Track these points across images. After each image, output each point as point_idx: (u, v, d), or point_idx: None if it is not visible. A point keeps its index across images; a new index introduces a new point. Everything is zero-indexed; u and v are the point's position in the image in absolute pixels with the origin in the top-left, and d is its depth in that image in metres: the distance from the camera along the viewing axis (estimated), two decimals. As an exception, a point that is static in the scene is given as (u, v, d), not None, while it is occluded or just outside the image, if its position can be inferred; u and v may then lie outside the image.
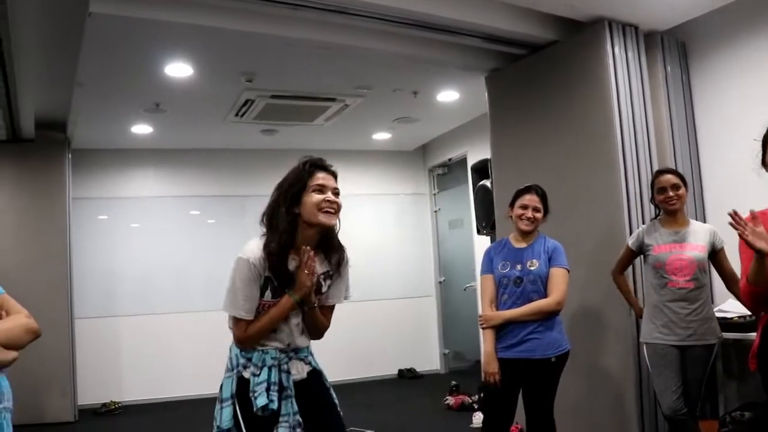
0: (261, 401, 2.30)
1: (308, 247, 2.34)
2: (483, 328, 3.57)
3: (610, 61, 4.29)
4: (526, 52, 4.89)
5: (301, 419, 2.39)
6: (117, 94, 5.66)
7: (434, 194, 8.81)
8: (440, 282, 8.71)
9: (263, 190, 8.86)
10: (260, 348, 2.41)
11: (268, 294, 2.38)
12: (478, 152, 6.86)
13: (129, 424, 6.47)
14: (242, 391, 2.37)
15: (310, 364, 2.55)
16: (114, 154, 7.61)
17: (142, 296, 7.58)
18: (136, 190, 7.75)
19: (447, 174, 8.57)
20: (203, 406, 7.00)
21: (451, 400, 6.39)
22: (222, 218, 8.02)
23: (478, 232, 6.07)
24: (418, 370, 8.32)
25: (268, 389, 2.34)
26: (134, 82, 5.36)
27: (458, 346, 8.59)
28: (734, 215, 2.28)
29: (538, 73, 4.84)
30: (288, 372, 2.43)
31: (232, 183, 8.05)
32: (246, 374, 2.39)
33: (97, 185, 7.54)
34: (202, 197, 7.97)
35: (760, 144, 2.55)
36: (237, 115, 6.42)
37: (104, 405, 6.97)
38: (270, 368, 2.37)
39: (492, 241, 5.52)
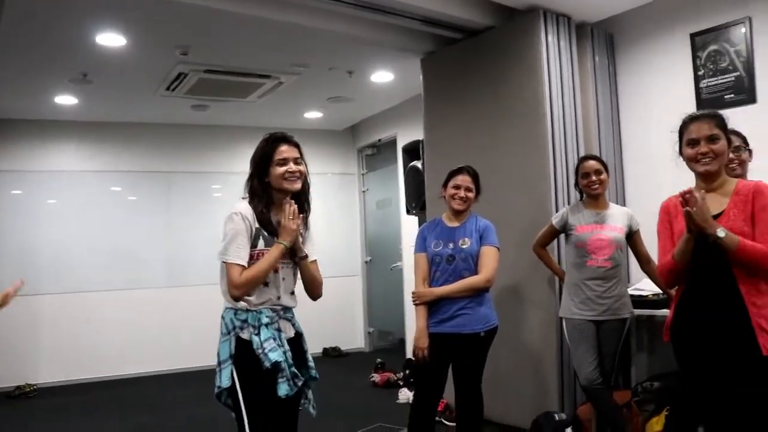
0: (275, 356, 2.54)
1: (289, 198, 2.65)
2: (416, 305, 3.64)
3: (543, 49, 4.45)
4: (462, 36, 5.00)
5: (297, 371, 2.65)
6: (41, 62, 5.40)
7: (363, 174, 8.87)
8: (366, 261, 8.81)
9: (191, 167, 8.75)
10: (253, 309, 2.61)
11: (261, 243, 2.63)
12: (408, 134, 6.96)
13: (42, 407, 6.24)
14: (241, 351, 2.58)
15: (294, 325, 2.79)
16: (33, 126, 7.28)
17: (60, 275, 7.29)
18: (55, 163, 7.42)
19: (376, 155, 8.63)
20: (124, 386, 6.93)
21: (376, 377, 6.52)
22: (144, 195, 7.81)
23: (408, 212, 6.16)
24: (342, 348, 8.42)
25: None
26: (61, 50, 5.13)
27: (382, 324, 8.73)
28: (686, 193, 2.42)
29: (473, 58, 4.95)
30: (279, 330, 2.66)
31: (158, 159, 7.85)
32: (244, 335, 2.59)
33: (11, 158, 7.21)
34: (125, 173, 7.71)
35: (677, 135, 2.71)
36: (168, 89, 6.26)
37: (18, 388, 6.72)
38: (267, 326, 2.60)
39: (420, 221, 5.63)
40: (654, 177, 4.56)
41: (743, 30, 4.19)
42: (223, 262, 2.57)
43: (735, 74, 4.23)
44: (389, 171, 8.07)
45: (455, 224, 3.69)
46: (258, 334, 2.57)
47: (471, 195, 3.68)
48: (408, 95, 6.98)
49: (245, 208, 2.63)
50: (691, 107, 4.31)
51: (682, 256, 2.50)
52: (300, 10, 4.35)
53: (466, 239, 3.62)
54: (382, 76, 6.41)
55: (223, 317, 2.67)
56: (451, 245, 3.62)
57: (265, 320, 2.59)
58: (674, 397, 3.52)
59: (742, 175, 3.10)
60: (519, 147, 4.59)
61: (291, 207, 2.62)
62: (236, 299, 2.57)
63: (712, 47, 4.32)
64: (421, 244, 3.73)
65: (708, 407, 2.56)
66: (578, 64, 4.65)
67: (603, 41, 4.82)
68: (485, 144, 4.79)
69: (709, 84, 4.34)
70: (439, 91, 5.29)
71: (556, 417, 4.18)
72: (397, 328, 8.04)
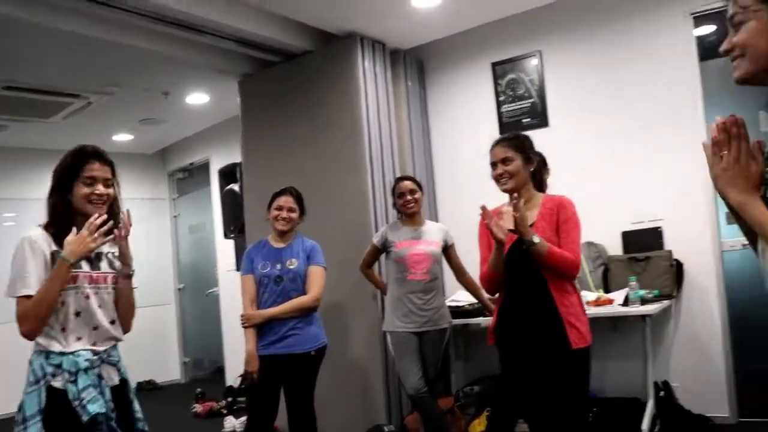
0: (95, 407, 2.18)
1: (97, 215, 2.27)
2: (245, 327, 3.60)
3: (360, 74, 4.63)
4: (281, 59, 5.05)
5: (115, 425, 2.28)
6: None
7: (174, 199, 8.59)
8: (179, 289, 8.51)
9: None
10: (69, 352, 2.24)
11: None
12: (222, 156, 6.87)
13: None
14: (53, 403, 2.18)
15: (120, 371, 2.43)
16: None
17: None
18: None
19: (188, 178, 8.40)
20: None
21: (198, 407, 6.30)
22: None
23: (225, 236, 6.06)
24: (157, 381, 8.04)
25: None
26: None
27: (199, 353, 8.45)
28: (484, 209, 2.65)
29: (292, 81, 5.02)
30: (100, 377, 2.30)
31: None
32: (57, 383, 2.20)
33: None
34: None
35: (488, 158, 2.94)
36: (-42, 106, 5.65)
37: None
38: (86, 371, 2.23)
39: (238, 244, 5.57)
40: (463, 194, 4.91)
41: (535, 62, 4.67)
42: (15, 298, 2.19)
43: (530, 101, 4.69)
44: (202, 194, 7.88)
45: (281, 245, 3.72)
46: (74, 382, 2.19)
47: (294, 215, 3.72)
48: (223, 117, 6.88)
49: (36, 233, 2.27)
50: (494, 130, 4.72)
51: (495, 264, 2.74)
52: (112, 26, 4.14)
53: (294, 260, 3.65)
54: (197, 98, 6.29)
55: (30, 362, 2.24)
56: (278, 266, 3.63)
57: (83, 365, 2.22)
58: (493, 398, 3.78)
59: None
60: (339, 168, 4.72)
61: (95, 219, 2.24)
62: (27, 337, 2.19)
63: (511, 76, 4.77)
64: (248, 266, 3.70)
65: (526, 405, 2.79)
66: (392, 89, 4.91)
67: (415, 67, 5.13)
68: (306, 165, 4.86)
69: (509, 109, 4.77)
70: (257, 113, 5.29)
71: (386, 429, 4.31)
72: (215, 356, 7.82)
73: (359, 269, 4.23)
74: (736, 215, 1.34)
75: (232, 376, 6.48)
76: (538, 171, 2.95)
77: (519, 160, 2.80)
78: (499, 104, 4.82)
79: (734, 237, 3.99)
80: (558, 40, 4.61)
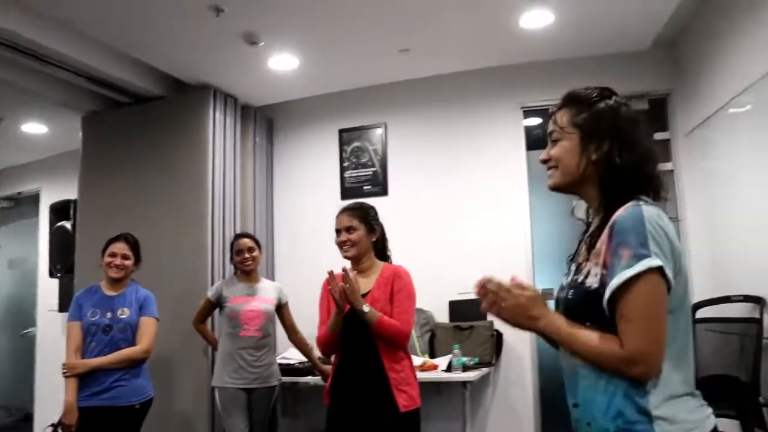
0: None
1: None
2: (66, 377, 3.44)
3: (211, 125, 4.67)
4: (131, 100, 4.95)
5: None
6: None
7: (-6, 229, 7.97)
8: (-11, 327, 7.85)
9: None
10: None
11: None
12: (54, 190, 6.54)
13: None
14: None
15: None
16: None
17: None
18: None
19: (14, 208, 7.83)
20: None
21: (-2, 459, 5.81)
22: None
23: (51, 274, 5.74)
24: (-55, 430, 7.30)
25: None
26: None
27: (4, 398, 7.78)
28: (330, 274, 2.78)
29: (140, 124, 4.93)
30: None
31: None
32: None
33: None
34: None
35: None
36: None
37: None
38: None
39: (64, 284, 5.31)
40: (301, 254, 5.01)
41: (380, 132, 4.94)
42: None
43: (373, 169, 4.93)
44: (27, 227, 7.37)
45: (113, 293, 3.61)
46: None
47: (128, 263, 3.65)
48: (61, 149, 6.53)
49: None
50: (336, 194, 4.91)
51: (333, 328, 2.85)
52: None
53: (125, 309, 3.56)
54: (34, 128, 5.96)
55: None
56: (109, 315, 3.53)
57: None
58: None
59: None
60: (181, 217, 4.67)
61: None
62: None
63: (356, 143, 5.00)
64: (76, 313, 3.56)
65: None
66: (241, 143, 4.96)
67: (264, 125, 5.25)
68: (147, 211, 4.76)
69: (352, 175, 4.99)
70: (100, 152, 5.11)
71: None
72: (23, 402, 7.25)
73: (192, 324, 4.19)
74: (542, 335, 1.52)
75: (42, 425, 6.04)
76: (381, 240, 3.10)
77: (362, 230, 2.95)
78: (342, 169, 5.02)
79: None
80: (403, 115, 4.92)
